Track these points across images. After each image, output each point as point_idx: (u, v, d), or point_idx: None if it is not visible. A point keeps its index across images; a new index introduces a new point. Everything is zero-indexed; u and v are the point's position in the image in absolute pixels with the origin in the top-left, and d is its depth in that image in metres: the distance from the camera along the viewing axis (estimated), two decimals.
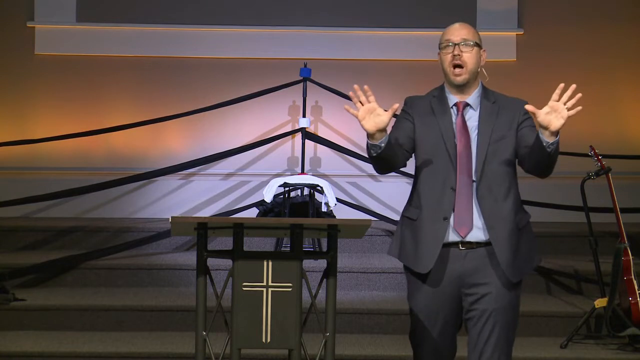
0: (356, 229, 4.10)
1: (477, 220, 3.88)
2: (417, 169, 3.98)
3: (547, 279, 6.66)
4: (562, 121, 3.71)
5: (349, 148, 7.80)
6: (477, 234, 3.88)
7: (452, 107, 3.96)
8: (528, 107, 3.78)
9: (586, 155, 6.29)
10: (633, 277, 5.76)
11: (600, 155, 6.13)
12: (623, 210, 6.07)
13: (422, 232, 3.90)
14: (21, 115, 8.22)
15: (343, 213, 7.53)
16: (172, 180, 8.14)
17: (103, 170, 8.09)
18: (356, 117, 3.77)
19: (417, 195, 3.96)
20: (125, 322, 6.05)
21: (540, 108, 3.78)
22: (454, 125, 3.93)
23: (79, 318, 6.06)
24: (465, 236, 3.87)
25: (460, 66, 3.92)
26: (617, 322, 5.73)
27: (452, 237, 3.89)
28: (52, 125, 8.08)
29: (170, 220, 3.91)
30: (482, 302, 3.87)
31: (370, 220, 4.18)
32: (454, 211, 3.87)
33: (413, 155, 4.02)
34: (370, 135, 3.79)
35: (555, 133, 3.75)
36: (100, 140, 8.05)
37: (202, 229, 3.98)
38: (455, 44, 3.93)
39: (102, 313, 6.07)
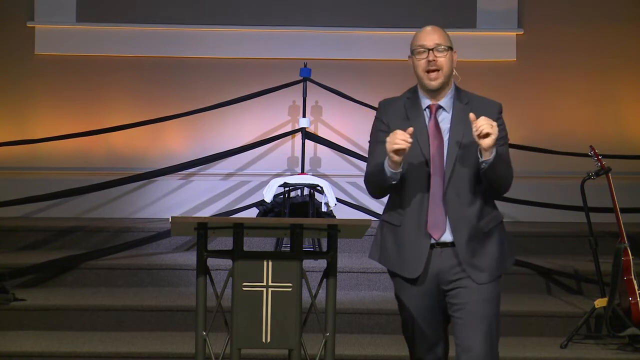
0: (356, 229, 4.10)
1: (447, 222, 3.91)
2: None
3: (547, 279, 6.66)
4: (488, 142, 3.75)
5: (349, 148, 7.80)
6: (447, 235, 3.92)
7: (425, 110, 3.97)
8: (471, 115, 3.80)
9: (586, 155, 6.29)
10: (633, 277, 5.76)
11: (600, 155, 6.13)
12: (623, 210, 6.07)
13: (407, 238, 3.93)
14: (21, 115, 8.22)
15: (343, 213, 7.53)
16: (172, 180, 8.14)
17: (103, 170, 8.09)
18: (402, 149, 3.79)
19: (399, 201, 3.97)
20: (125, 322, 6.05)
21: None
22: (428, 129, 3.94)
23: (79, 318, 6.05)
24: (439, 239, 3.90)
25: (435, 70, 3.92)
26: (617, 322, 5.73)
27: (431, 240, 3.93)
28: (52, 125, 8.08)
29: (170, 220, 3.91)
30: (461, 296, 3.90)
31: (370, 220, 4.19)
32: (428, 215, 3.90)
33: None
34: (394, 164, 3.81)
35: (489, 151, 3.77)
36: (100, 140, 8.05)
37: (202, 229, 3.98)
38: (429, 49, 3.92)
39: (102, 313, 6.07)
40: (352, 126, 8.22)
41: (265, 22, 8.30)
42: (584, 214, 6.18)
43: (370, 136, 4.06)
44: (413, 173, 3.92)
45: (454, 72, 4.01)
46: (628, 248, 5.80)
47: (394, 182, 3.87)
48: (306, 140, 7.58)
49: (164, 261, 6.80)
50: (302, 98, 7.71)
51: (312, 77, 7.66)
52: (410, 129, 3.79)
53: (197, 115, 7.82)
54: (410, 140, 3.76)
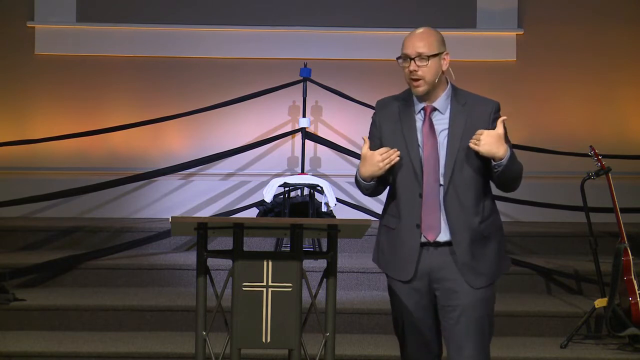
0: (356, 229, 4.10)
1: (443, 224, 3.90)
2: (390, 177, 4.00)
3: (547, 279, 6.66)
4: (481, 149, 3.81)
5: (349, 148, 7.80)
6: (443, 236, 3.91)
7: (418, 113, 3.96)
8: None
9: (586, 155, 6.29)
10: (633, 277, 5.76)
11: (600, 155, 6.13)
12: (623, 210, 6.07)
13: (401, 240, 3.94)
14: (21, 115, 8.23)
15: (343, 213, 7.53)
16: (172, 180, 8.14)
17: (103, 170, 8.09)
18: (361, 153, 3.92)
19: (395, 204, 3.98)
20: (125, 322, 6.05)
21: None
22: (418, 132, 3.92)
23: (79, 318, 6.06)
24: (434, 240, 3.90)
25: (417, 79, 3.92)
26: (617, 322, 5.73)
27: (423, 240, 3.92)
28: (52, 125, 8.08)
29: (170, 220, 3.91)
30: (452, 298, 3.90)
31: (370, 220, 4.19)
32: (422, 217, 3.89)
33: None
34: (364, 178, 3.92)
35: (499, 157, 3.82)
36: (100, 140, 8.05)
37: (202, 229, 3.98)
38: (411, 59, 3.92)
39: (102, 313, 6.07)
40: (352, 126, 8.21)
41: (265, 22, 8.30)
42: (584, 214, 6.18)
43: None
44: (405, 176, 3.92)
45: (450, 72, 4.00)
46: (628, 248, 5.80)
47: (366, 193, 4.00)
48: (306, 140, 7.58)
49: (164, 261, 6.80)
50: (302, 98, 7.71)
51: (312, 77, 7.66)
52: (397, 153, 3.85)
53: (197, 115, 7.82)
54: (388, 157, 3.84)
